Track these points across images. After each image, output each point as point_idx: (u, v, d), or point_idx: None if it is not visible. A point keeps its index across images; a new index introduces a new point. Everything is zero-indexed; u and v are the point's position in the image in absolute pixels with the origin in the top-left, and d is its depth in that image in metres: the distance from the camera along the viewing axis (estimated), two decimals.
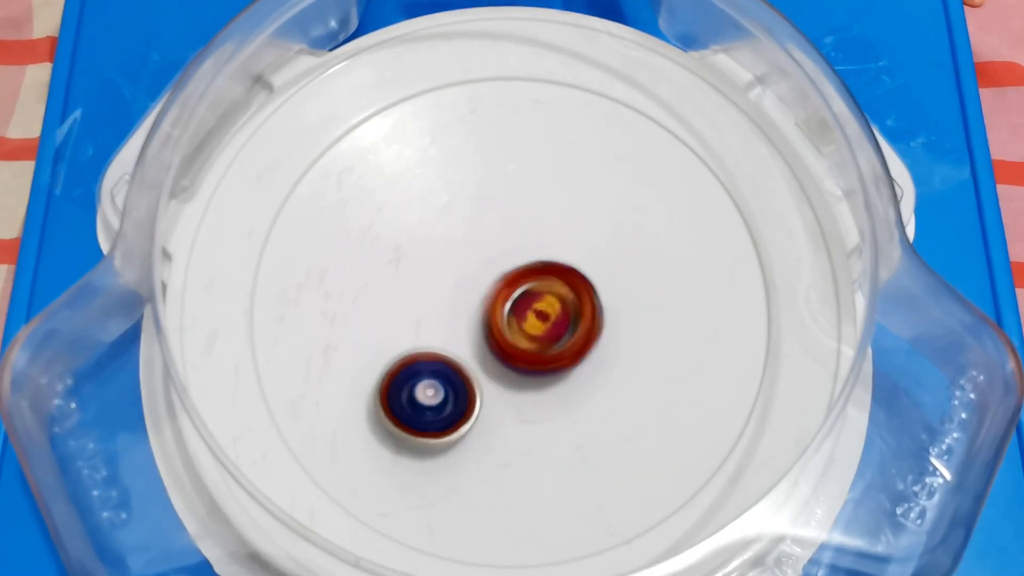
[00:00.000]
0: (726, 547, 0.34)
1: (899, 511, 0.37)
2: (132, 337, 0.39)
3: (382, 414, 0.37)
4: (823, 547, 0.37)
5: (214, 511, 0.37)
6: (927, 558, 0.36)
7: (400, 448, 0.38)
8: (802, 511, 0.37)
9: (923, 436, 0.37)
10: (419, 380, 0.37)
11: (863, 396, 0.39)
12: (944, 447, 0.37)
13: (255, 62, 0.41)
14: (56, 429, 0.36)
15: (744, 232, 0.40)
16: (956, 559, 0.35)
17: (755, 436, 0.38)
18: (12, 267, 0.46)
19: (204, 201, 0.40)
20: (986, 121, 0.45)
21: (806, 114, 0.41)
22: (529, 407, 0.38)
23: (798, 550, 0.37)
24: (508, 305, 0.38)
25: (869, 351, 0.39)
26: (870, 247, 0.37)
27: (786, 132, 0.42)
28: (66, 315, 0.36)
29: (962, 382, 0.37)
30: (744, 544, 0.36)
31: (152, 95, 0.43)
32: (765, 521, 0.35)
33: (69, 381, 0.37)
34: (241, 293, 0.39)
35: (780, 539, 0.37)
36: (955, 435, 0.37)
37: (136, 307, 0.38)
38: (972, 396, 0.37)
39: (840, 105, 0.39)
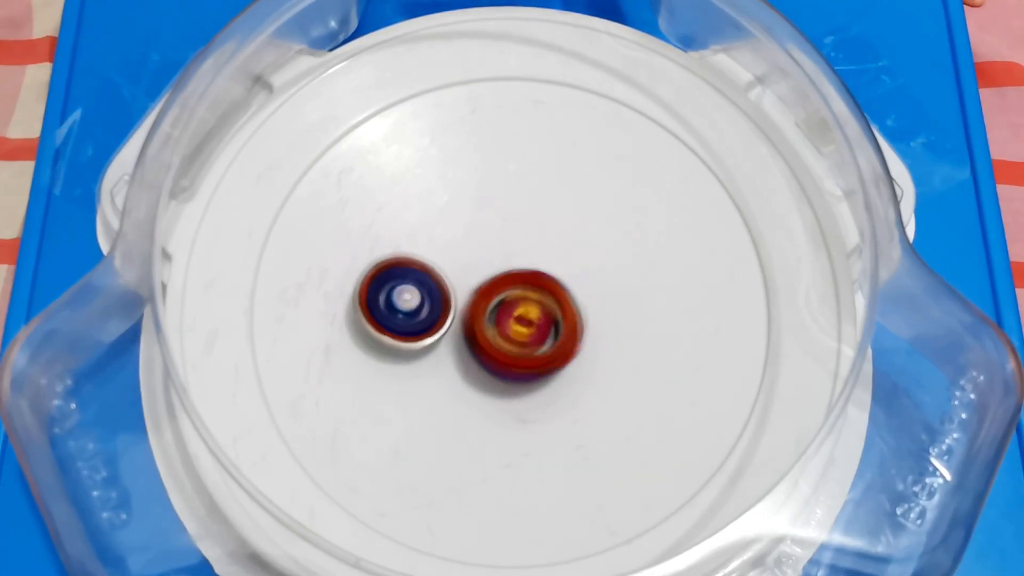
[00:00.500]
0: (726, 547, 0.34)
1: (899, 511, 0.37)
2: (132, 337, 0.39)
3: (362, 319, 0.38)
4: (823, 547, 0.37)
5: (214, 511, 0.37)
6: (927, 558, 0.36)
7: (399, 446, 0.38)
8: (802, 511, 0.37)
9: (923, 436, 0.37)
10: (396, 285, 0.38)
11: (863, 396, 0.39)
12: (944, 447, 0.37)
13: (255, 62, 0.41)
14: (56, 429, 0.36)
15: (744, 232, 0.40)
16: (956, 559, 0.35)
17: (755, 436, 0.38)
18: (12, 267, 0.46)
19: (204, 201, 0.40)
20: (986, 121, 0.45)
21: (806, 114, 0.41)
22: (529, 407, 0.38)
23: (798, 550, 0.37)
24: (487, 318, 0.38)
25: (869, 351, 0.39)
26: (870, 247, 0.37)
27: (786, 132, 0.42)
28: (66, 315, 0.36)
29: (962, 382, 0.37)
30: (744, 544, 0.36)
31: (152, 95, 0.43)
32: (765, 521, 0.35)
33: (69, 381, 0.37)
34: (241, 293, 0.39)
35: (780, 539, 0.37)
36: (955, 435, 0.37)
37: (136, 307, 0.38)
38: (972, 396, 0.37)
39: (840, 105, 0.39)
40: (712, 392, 0.38)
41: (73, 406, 0.37)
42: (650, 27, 0.44)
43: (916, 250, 0.37)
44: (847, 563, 0.37)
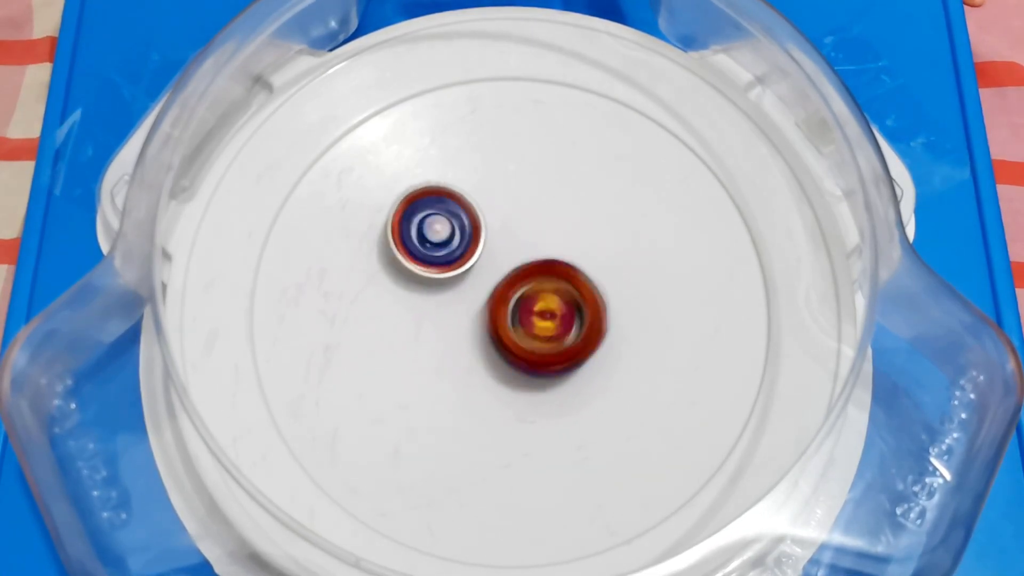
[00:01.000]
0: (726, 547, 0.34)
1: (899, 511, 0.37)
2: (132, 337, 0.39)
3: (395, 250, 0.38)
4: (823, 547, 0.37)
5: (214, 511, 0.37)
6: (927, 558, 0.36)
7: (400, 446, 0.38)
8: (802, 511, 0.37)
9: (923, 436, 0.37)
10: (427, 216, 0.39)
11: (863, 396, 0.39)
12: (944, 447, 0.37)
13: (255, 62, 0.41)
14: (56, 429, 0.36)
15: (744, 232, 0.40)
16: (956, 559, 0.35)
17: (755, 436, 0.38)
18: (12, 267, 0.46)
19: (204, 201, 0.40)
20: (986, 121, 0.45)
21: (806, 114, 0.41)
22: (529, 407, 0.38)
23: (798, 550, 0.37)
24: (510, 316, 0.38)
25: (869, 351, 0.39)
26: (870, 247, 0.37)
27: (786, 132, 0.42)
28: (66, 315, 0.36)
29: (962, 382, 0.37)
30: (744, 544, 0.36)
31: (152, 95, 0.43)
32: (765, 521, 0.35)
33: (69, 381, 0.37)
34: (241, 293, 0.39)
35: (780, 539, 0.37)
36: (955, 435, 0.37)
37: (136, 307, 0.38)
38: (972, 396, 0.37)
39: (840, 105, 0.39)
40: (712, 392, 0.38)
41: (73, 406, 0.37)
42: (650, 27, 0.44)
43: (916, 250, 0.37)
44: (847, 563, 0.37)
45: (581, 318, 0.38)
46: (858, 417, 0.39)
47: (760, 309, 0.39)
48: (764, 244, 0.40)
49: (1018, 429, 0.40)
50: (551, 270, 0.38)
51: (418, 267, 0.39)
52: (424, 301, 0.40)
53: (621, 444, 0.38)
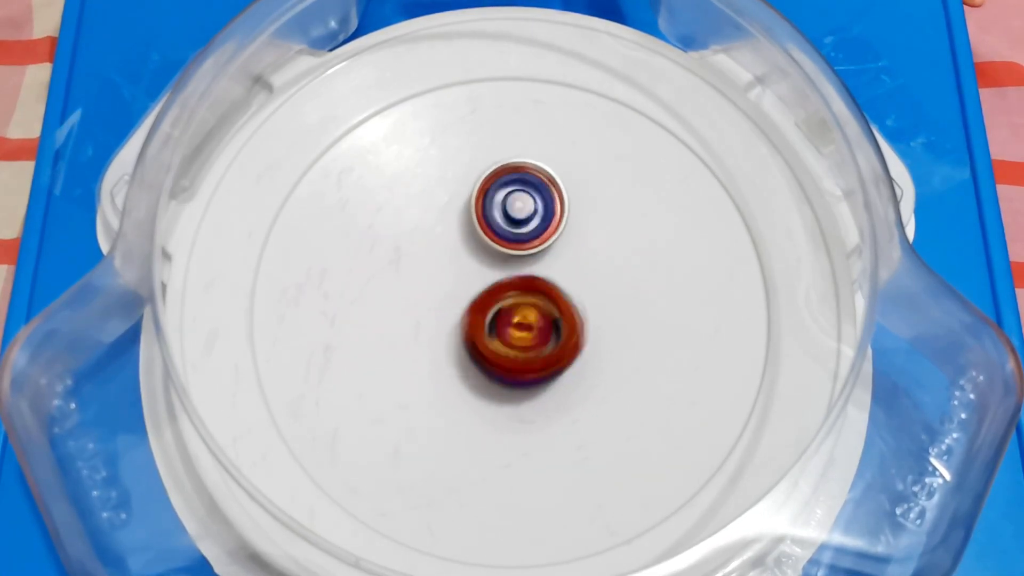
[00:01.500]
0: (726, 547, 0.34)
1: (899, 511, 0.37)
2: (132, 337, 0.39)
3: (477, 227, 0.39)
4: (823, 547, 0.37)
5: (214, 511, 0.37)
6: (927, 558, 0.36)
7: (400, 446, 0.38)
8: (802, 511, 0.37)
9: (923, 436, 0.37)
10: (511, 192, 0.39)
11: (863, 396, 0.39)
12: (944, 447, 0.37)
13: (255, 62, 0.41)
14: (56, 429, 0.36)
15: (744, 232, 0.40)
16: (956, 559, 0.35)
17: (755, 436, 0.38)
18: (12, 267, 0.46)
19: (204, 201, 0.40)
20: (986, 121, 0.45)
21: (806, 114, 0.41)
22: (529, 408, 0.38)
23: (798, 550, 0.37)
24: (487, 330, 0.38)
25: (869, 351, 0.39)
26: (870, 247, 0.37)
27: (786, 132, 0.42)
28: (66, 315, 0.36)
29: (962, 382, 0.37)
30: (744, 544, 0.36)
31: (152, 95, 0.43)
32: (765, 521, 0.35)
33: (69, 381, 0.37)
34: (241, 293, 0.39)
35: (780, 539, 0.37)
36: (955, 435, 0.37)
37: (136, 307, 0.38)
38: (972, 396, 0.37)
39: (840, 105, 0.39)
40: (712, 392, 0.38)
41: (73, 406, 0.37)
42: (650, 27, 0.44)
43: (916, 250, 0.37)
44: (847, 563, 0.37)
45: (557, 333, 0.38)
46: (858, 417, 0.39)
47: (760, 309, 0.39)
48: (764, 244, 0.40)
49: (1018, 429, 0.40)
50: (532, 286, 0.38)
51: (500, 245, 0.39)
52: (424, 301, 0.40)
53: (621, 444, 0.38)
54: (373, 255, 0.40)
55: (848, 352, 0.38)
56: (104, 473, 0.37)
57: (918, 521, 0.36)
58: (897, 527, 0.37)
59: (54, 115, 0.45)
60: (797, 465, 0.35)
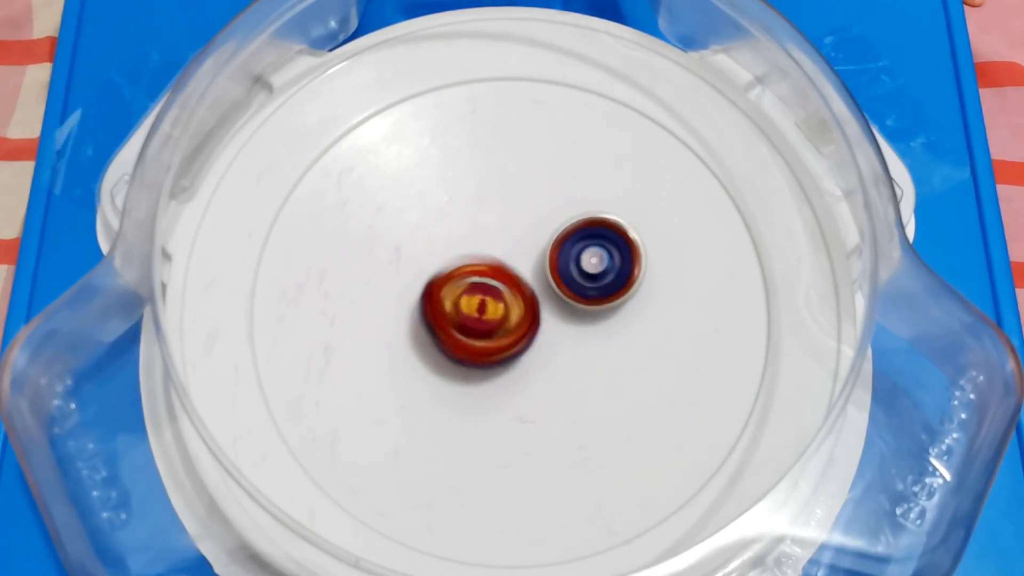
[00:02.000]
0: (726, 547, 0.34)
1: (899, 511, 0.37)
2: (132, 337, 0.39)
3: (552, 282, 0.38)
4: (823, 547, 0.37)
5: (214, 511, 0.37)
6: (927, 558, 0.36)
7: (399, 446, 0.38)
8: (802, 511, 0.37)
9: (923, 436, 0.37)
10: (585, 247, 0.39)
11: (863, 396, 0.39)
12: (944, 447, 0.37)
13: (255, 62, 0.41)
14: (56, 429, 0.36)
15: (744, 232, 0.40)
16: (956, 559, 0.35)
17: (755, 436, 0.38)
18: (12, 267, 0.46)
19: (204, 201, 0.40)
20: (986, 121, 0.45)
21: (806, 114, 0.41)
22: (529, 407, 0.38)
23: (798, 550, 0.37)
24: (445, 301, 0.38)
25: (869, 351, 0.39)
26: (870, 247, 0.37)
27: (786, 132, 0.42)
28: (66, 315, 0.36)
29: (962, 382, 0.37)
30: (744, 544, 0.36)
31: (152, 95, 0.43)
32: (765, 521, 0.35)
33: (69, 381, 0.37)
34: (241, 293, 0.39)
35: (780, 539, 0.37)
36: (955, 435, 0.37)
37: (136, 307, 0.38)
38: (972, 396, 0.37)
39: (840, 105, 0.39)
40: (712, 392, 0.38)
41: (73, 406, 0.37)
42: (650, 27, 0.44)
43: (916, 250, 0.37)
44: (847, 563, 0.37)
45: (519, 307, 0.38)
46: (858, 417, 0.39)
47: (760, 309, 0.39)
48: (764, 244, 0.40)
49: (1018, 429, 0.40)
50: (499, 275, 0.38)
51: (576, 301, 0.38)
52: None
53: (621, 444, 0.38)
54: (373, 255, 0.40)
55: (848, 352, 0.38)
56: (104, 473, 0.37)
57: (918, 521, 0.36)
58: (897, 527, 0.37)
59: (54, 115, 0.45)
60: (797, 465, 0.35)
